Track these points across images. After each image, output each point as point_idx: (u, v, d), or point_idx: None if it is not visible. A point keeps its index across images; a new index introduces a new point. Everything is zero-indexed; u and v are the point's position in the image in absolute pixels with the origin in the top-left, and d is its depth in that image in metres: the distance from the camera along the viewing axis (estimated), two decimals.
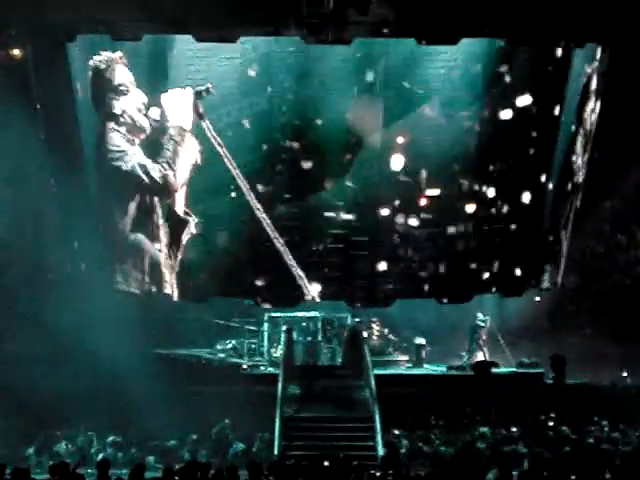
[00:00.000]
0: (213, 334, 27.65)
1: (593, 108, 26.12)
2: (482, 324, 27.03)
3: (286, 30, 21.96)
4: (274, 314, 27.01)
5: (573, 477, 13.38)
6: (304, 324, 26.92)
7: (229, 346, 27.09)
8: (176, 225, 25.42)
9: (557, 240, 26.86)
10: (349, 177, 24.97)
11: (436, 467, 18.89)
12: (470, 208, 25.40)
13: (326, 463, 15.71)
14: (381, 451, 20.19)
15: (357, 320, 26.93)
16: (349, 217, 25.17)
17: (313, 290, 25.42)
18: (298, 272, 25.32)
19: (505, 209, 25.52)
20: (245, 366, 25.91)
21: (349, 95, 24.34)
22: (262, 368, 26.00)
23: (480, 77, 24.40)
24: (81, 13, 21.05)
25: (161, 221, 25.48)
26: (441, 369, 26.48)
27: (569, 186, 26.51)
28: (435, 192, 25.18)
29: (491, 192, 25.34)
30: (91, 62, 24.36)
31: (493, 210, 25.54)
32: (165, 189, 25.23)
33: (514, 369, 26.36)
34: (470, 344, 27.15)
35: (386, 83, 24.23)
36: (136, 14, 21.03)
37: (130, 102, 24.84)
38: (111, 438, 21.29)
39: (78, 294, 24.67)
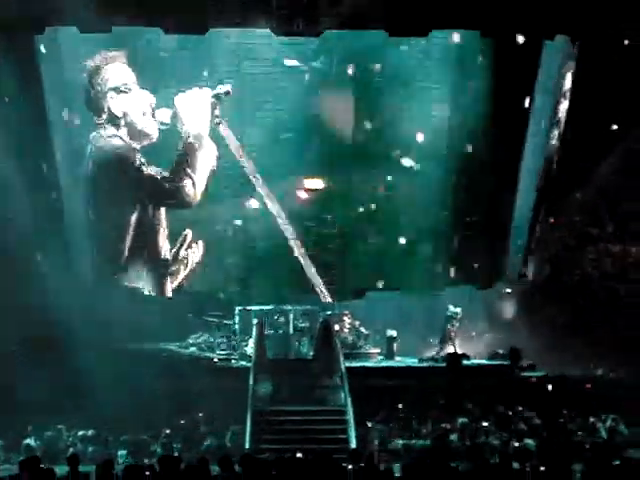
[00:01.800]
0: (184, 328, 27.54)
1: (564, 101, 26.19)
2: (454, 316, 27.06)
3: (255, 22, 21.85)
4: (245, 307, 26.90)
5: (542, 468, 13.41)
6: (275, 317, 26.81)
7: (200, 340, 26.99)
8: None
9: (529, 232, 26.92)
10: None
11: (408, 459, 18.90)
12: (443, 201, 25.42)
13: (299, 455, 15.71)
14: (353, 444, 20.20)
15: (328, 313, 26.86)
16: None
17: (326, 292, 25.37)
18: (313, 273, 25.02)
19: (476, 202, 25.52)
20: (216, 360, 25.82)
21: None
22: (233, 362, 25.88)
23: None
24: (49, 5, 20.88)
25: (166, 234, 24.78)
26: (413, 361, 26.51)
27: (541, 179, 26.58)
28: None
29: (462, 186, 25.35)
30: (88, 62, 23.59)
31: (465, 203, 25.54)
32: (182, 200, 24.35)
33: (485, 361, 26.44)
34: (442, 336, 27.19)
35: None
36: (105, 7, 20.89)
37: (132, 104, 23.86)
38: (81, 433, 21.17)
39: (49, 290, 24.48)
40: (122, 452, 20.25)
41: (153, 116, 23.88)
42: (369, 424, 21.68)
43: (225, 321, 27.12)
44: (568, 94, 26.23)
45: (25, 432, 21.12)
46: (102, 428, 21.45)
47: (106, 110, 23.87)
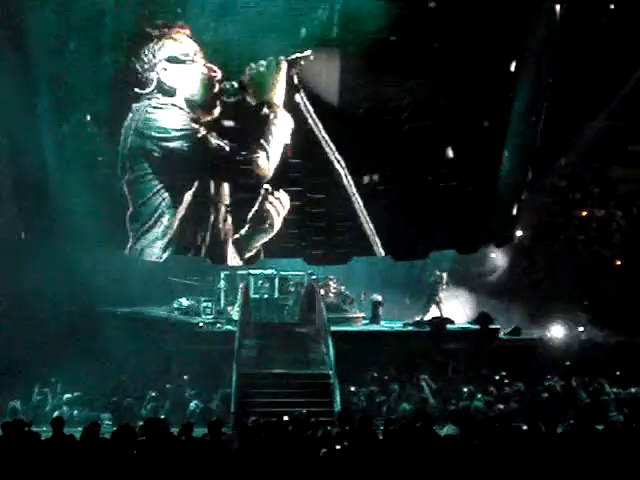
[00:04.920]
0: (169, 292, 27.54)
1: (550, 64, 26.10)
2: (439, 280, 27.14)
3: None
4: (229, 272, 26.88)
5: (524, 427, 13.52)
6: (261, 282, 26.83)
7: (186, 304, 26.99)
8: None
9: (513, 196, 26.91)
10: None
11: (392, 423, 18.98)
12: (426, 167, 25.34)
13: (285, 418, 15.79)
14: (338, 407, 20.28)
15: (313, 277, 26.91)
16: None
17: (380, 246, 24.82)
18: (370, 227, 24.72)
19: (460, 166, 25.46)
20: (201, 324, 25.84)
21: None
22: (219, 326, 25.91)
23: None
24: None
25: (227, 212, 23.73)
26: (397, 325, 26.59)
27: (526, 143, 26.55)
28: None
29: (446, 151, 25.26)
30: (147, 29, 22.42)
31: (447, 168, 25.49)
32: (253, 174, 23.26)
33: (469, 325, 26.55)
34: (427, 301, 27.28)
35: None
36: None
37: (193, 76, 22.81)
38: (66, 396, 21.19)
39: (32, 255, 24.42)
40: (106, 415, 20.29)
41: (218, 91, 22.82)
42: (353, 388, 21.77)
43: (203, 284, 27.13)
44: (553, 59, 26.12)
45: (9, 396, 21.13)
46: (87, 391, 21.49)
47: (154, 81, 22.70)
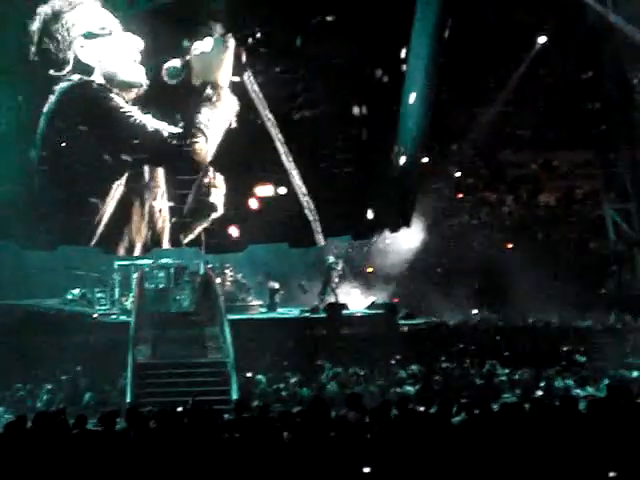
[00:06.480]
0: (62, 283, 27.17)
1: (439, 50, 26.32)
2: (334, 267, 27.28)
3: None
4: (124, 262, 26.63)
5: (422, 408, 13.68)
6: (156, 271, 26.64)
7: (79, 295, 26.65)
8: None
9: (407, 183, 27.13)
10: None
11: (290, 409, 19.03)
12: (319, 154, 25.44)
13: (179, 409, 15.67)
14: (235, 395, 20.26)
15: (209, 266, 26.81)
16: None
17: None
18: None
19: (353, 153, 25.61)
20: (95, 315, 25.56)
21: None
22: (113, 317, 25.69)
23: None
24: None
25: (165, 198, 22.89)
26: (294, 312, 26.67)
27: (418, 129, 26.78)
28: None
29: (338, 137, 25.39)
30: (42, 8, 21.15)
31: (341, 154, 25.62)
32: (190, 159, 22.31)
33: (365, 310, 26.74)
34: (323, 287, 27.41)
35: None
36: None
37: (112, 49, 21.62)
38: None
39: None
40: (0, 408, 20.00)
41: (140, 63, 21.76)
42: (249, 374, 21.77)
43: (92, 273, 26.83)
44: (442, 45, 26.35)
45: None
46: None
47: (71, 60, 21.49)
